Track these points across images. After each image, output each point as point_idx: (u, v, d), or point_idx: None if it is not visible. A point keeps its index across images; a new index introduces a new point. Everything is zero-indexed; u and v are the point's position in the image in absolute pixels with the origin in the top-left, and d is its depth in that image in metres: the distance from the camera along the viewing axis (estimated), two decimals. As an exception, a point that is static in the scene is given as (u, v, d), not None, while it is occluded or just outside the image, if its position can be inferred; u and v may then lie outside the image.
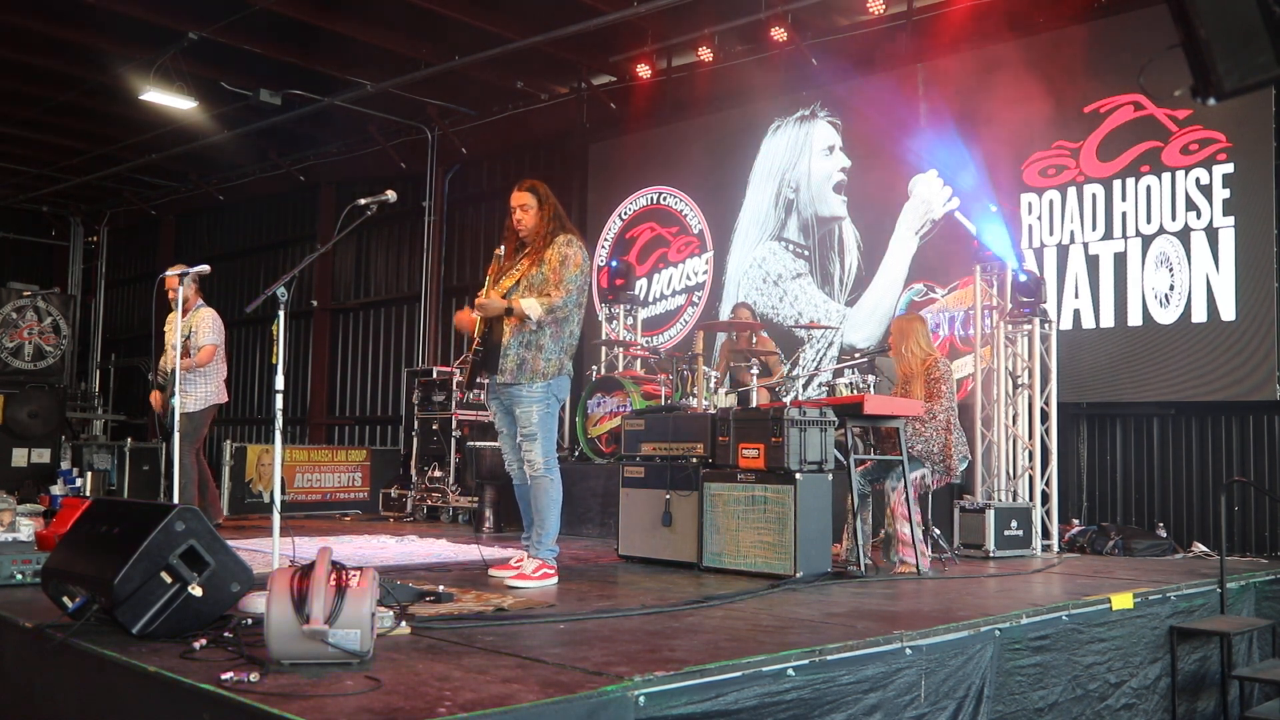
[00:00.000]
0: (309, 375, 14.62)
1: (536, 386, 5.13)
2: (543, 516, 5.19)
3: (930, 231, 8.90)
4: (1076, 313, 8.04)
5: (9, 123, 13.19)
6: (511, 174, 12.88)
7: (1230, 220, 7.39)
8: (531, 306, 5.08)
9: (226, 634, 3.35)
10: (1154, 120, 7.72)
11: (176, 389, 6.41)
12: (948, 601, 4.73)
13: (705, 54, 10.23)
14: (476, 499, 8.83)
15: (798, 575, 5.26)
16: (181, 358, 7.23)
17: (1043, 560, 6.73)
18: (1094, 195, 8.02)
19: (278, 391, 4.25)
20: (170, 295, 7.30)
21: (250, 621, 3.46)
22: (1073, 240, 8.11)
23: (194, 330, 7.38)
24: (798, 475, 5.36)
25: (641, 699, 2.88)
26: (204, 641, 3.23)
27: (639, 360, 9.63)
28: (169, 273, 6.61)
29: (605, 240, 11.36)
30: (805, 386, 8.85)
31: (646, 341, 10.36)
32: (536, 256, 5.22)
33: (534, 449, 5.16)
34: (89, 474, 12.50)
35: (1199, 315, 7.48)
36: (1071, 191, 8.13)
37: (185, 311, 7.34)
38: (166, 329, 7.41)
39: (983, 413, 7.54)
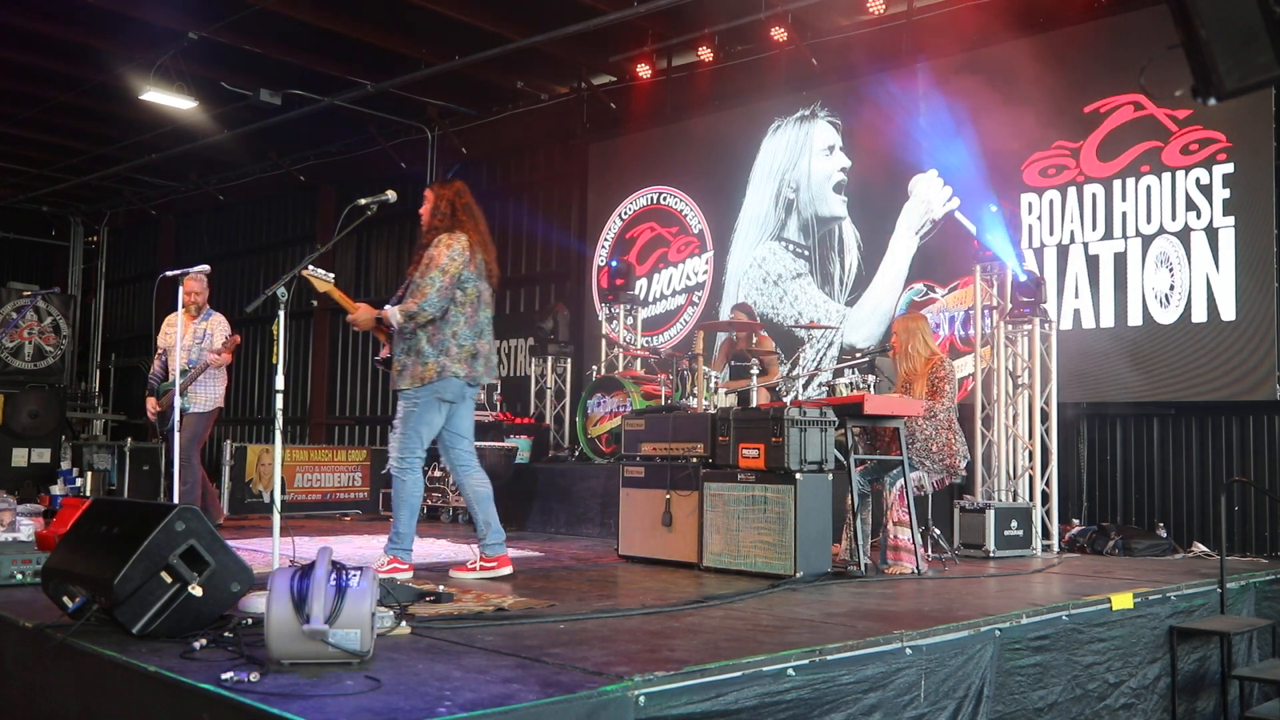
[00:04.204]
0: (309, 375, 14.62)
1: (416, 389, 5.19)
2: (395, 514, 5.26)
3: (930, 231, 8.90)
4: (1077, 313, 8.04)
5: (9, 123, 13.19)
6: (511, 174, 12.90)
7: (1230, 220, 7.39)
8: (393, 313, 5.17)
9: (226, 634, 3.35)
10: (1154, 120, 7.72)
11: (177, 390, 6.40)
12: (948, 601, 4.73)
13: (705, 54, 10.23)
14: (476, 499, 8.83)
15: (798, 575, 5.26)
16: (198, 360, 7.23)
17: (1043, 560, 6.73)
18: (1094, 195, 8.02)
19: (278, 391, 4.26)
20: (189, 298, 7.28)
21: (250, 621, 3.46)
22: (1073, 240, 8.11)
23: (210, 334, 7.37)
24: (798, 475, 5.36)
25: (641, 699, 2.88)
26: (204, 641, 3.23)
27: (639, 360, 9.63)
28: (193, 271, 6.57)
29: (605, 240, 11.36)
30: (805, 386, 8.85)
31: (646, 341, 10.36)
32: (418, 258, 5.29)
33: (393, 441, 5.23)
34: (89, 474, 12.50)
35: (1199, 315, 7.48)
36: (1071, 191, 8.13)
37: (196, 315, 7.35)
38: (166, 330, 7.39)
39: (983, 413, 7.54)
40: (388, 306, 5.28)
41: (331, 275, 5.22)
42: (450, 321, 5.21)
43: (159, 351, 7.49)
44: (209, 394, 7.36)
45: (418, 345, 5.19)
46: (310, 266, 5.12)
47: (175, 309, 7.28)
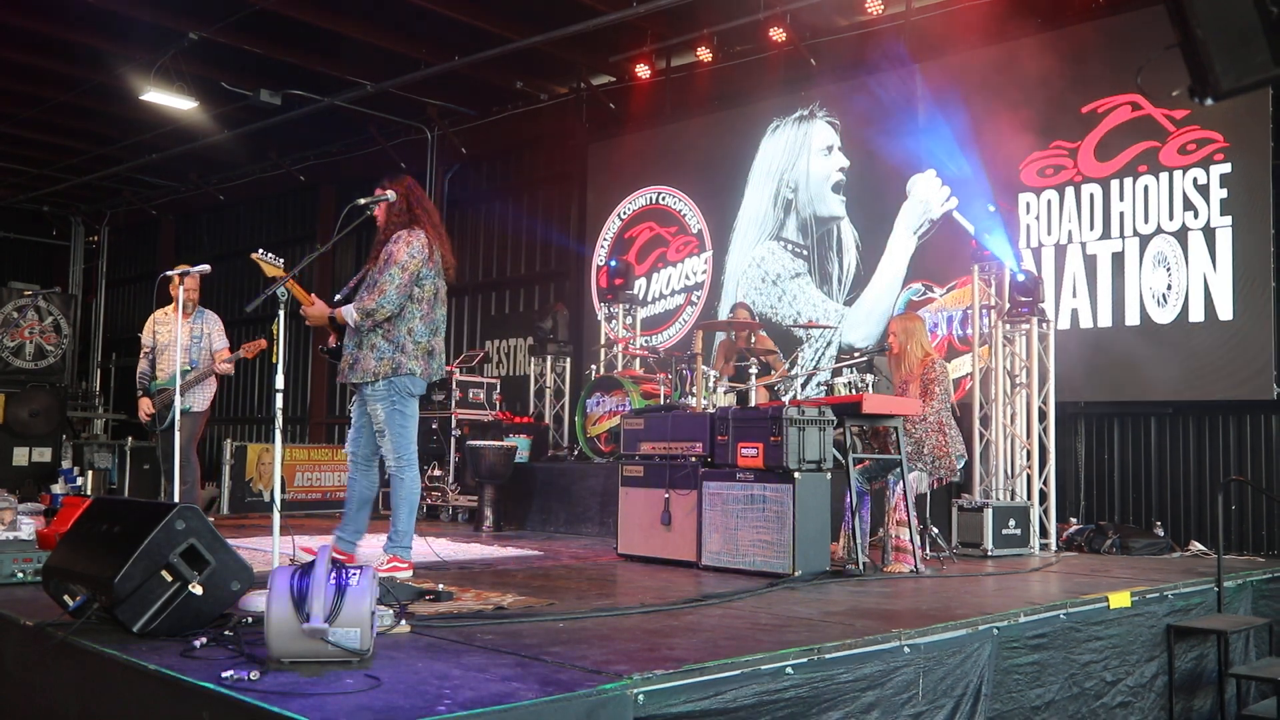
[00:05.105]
0: (309, 374, 14.62)
1: (379, 385, 5.17)
2: (394, 513, 5.28)
3: (929, 231, 8.91)
4: (1074, 312, 8.05)
5: (9, 122, 13.19)
6: (511, 174, 12.90)
7: (1228, 220, 7.40)
8: (349, 312, 5.15)
9: (227, 632, 3.36)
10: (1152, 120, 7.73)
11: (178, 389, 6.39)
12: (946, 600, 4.75)
13: (704, 54, 10.24)
14: (476, 498, 8.85)
15: (796, 574, 5.27)
16: (201, 362, 7.21)
17: (1040, 559, 6.75)
18: (1092, 195, 8.03)
19: (278, 391, 4.27)
20: (190, 294, 7.23)
21: (250, 620, 3.47)
22: (1070, 240, 8.12)
23: (207, 334, 7.33)
24: (796, 474, 5.38)
25: (640, 697, 2.89)
26: (204, 640, 3.24)
27: (638, 359, 9.64)
28: (193, 270, 6.52)
29: (604, 240, 11.37)
30: (804, 386, 8.86)
31: (645, 341, 10.37)
32: (377, 254, 5.26)
33: (386, 444, 5.24)
34: (90, 473, 12.52)
35: (1196, 315, 7.49)
36: (1069, 191, 8.14)
37: (189, 313, 7.30)
38: (159, 329, 7.35)
39: (981, 412, 7.55)
40: (338, 300, 5.26)
41: (281, 260, 5.19)
42: (406, 318, 5.19)
43: (145, 350, 7.41)
44: (205, 394, 7.35)
45: (373, 340, 5.18)
46: (260, 250, 5.10)
47: (169, 306, 7.26)
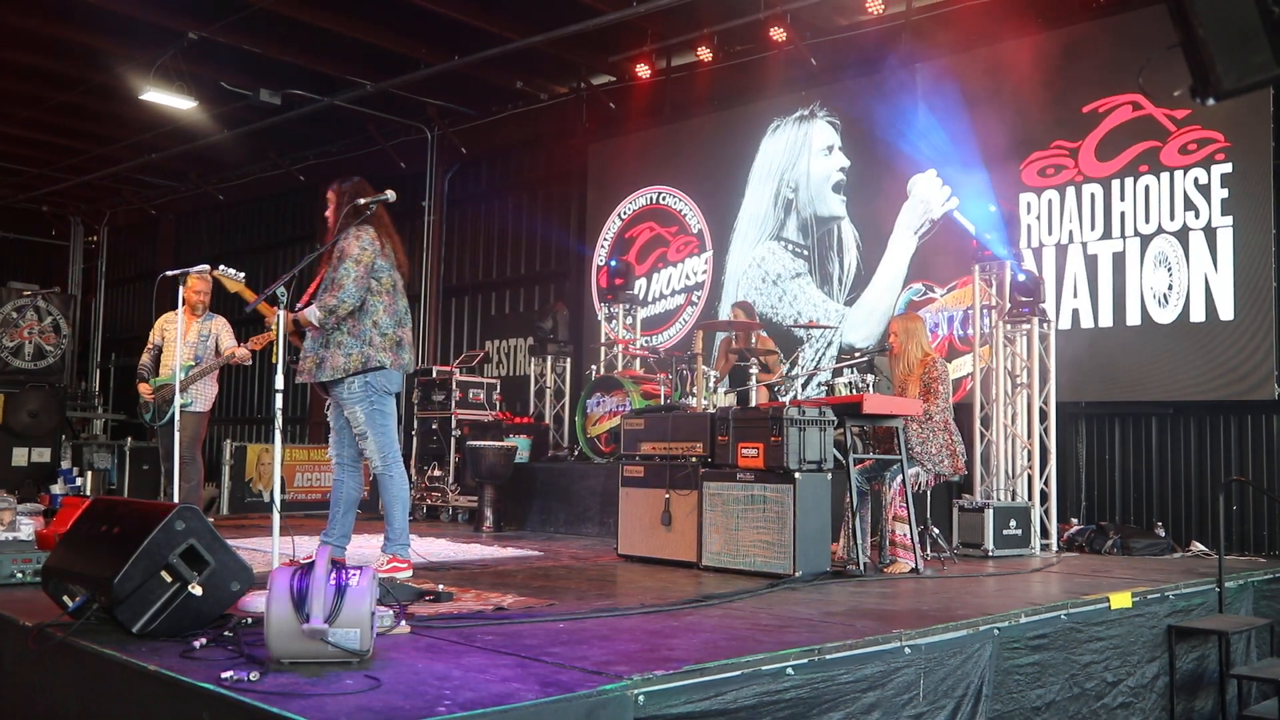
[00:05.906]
0: (308, 375, 14.60)
1: (354, 384, 5.15)
2: (388, 513, 5.27)
3: (929, 231, 8.90)
4: (1075, 312, 8.05)
5: (9, 122, 13.19)
6: (511, 174, 12.89)
7: (1229, 220, 7.40)
8: (311, 313, 5.14)
9: (226, 633, 3.36)
10: (1152, 120, 7.73)
11: (177, 388, 6.38)
12: (946, 601, 4.74)
13: (705, 54, 10.24)
14: (476, 498, 8.84)
15: (796, 574, 5.26)
16: (204, 358, 7.22)
17: (1041, 559, 6.74)
18: (1092, 195, 8.03)
19: (277, 391, 4.26)
20: (196, 297, 7.27)
21: (250, 620, 3.46)
22: (1071, 240, 8.12)
23: (215, 334, 7.35)
24: (797, 474, 5.37)
25: (640, 698, 2.88)
26: (204, 640, 3.23)
27: (638, 359, 9.64)
28: (193, 270, 6.52)
29: (605, 240, 11.36)
30: (804, 386, 8.86)
31: (646, 341, 10.36)
32: (329, 254, 5.23)
33: (368, 446, 5.23)
34: (89, 473, 12.52)
35: (1197, 315, 7.48)
36: (1070, 191, 8.13)
37: (199, 314, 7.32)
38: (168, 327, 7.36)
39: (981, 412, 7.55)
40: (300, 307, 5.23)
41: (242, 275, 5.16)
42: (369, 311, 5.19)
43: (150, 346, 7.44)
44: (207, 393, 7.36)
45: (339, 338, 5.16)
46: (221, 266, 5.06)
47: (176, 308, 7.26)
